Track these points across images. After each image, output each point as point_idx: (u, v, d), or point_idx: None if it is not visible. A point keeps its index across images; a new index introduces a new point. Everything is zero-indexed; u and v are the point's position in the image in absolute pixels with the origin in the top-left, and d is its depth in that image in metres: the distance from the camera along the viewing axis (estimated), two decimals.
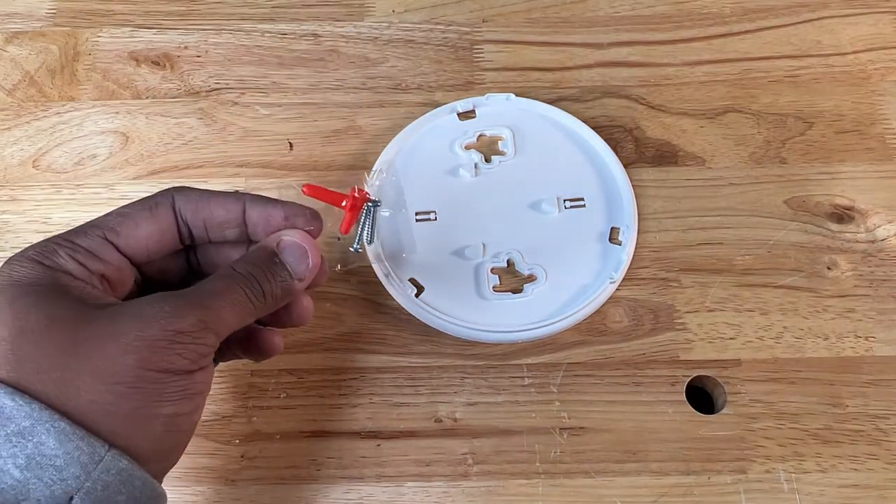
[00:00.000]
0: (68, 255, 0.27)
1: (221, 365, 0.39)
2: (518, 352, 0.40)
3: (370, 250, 0.41)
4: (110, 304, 0.27)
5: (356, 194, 0.35)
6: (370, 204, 0.37)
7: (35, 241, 0.41)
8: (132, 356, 0.25)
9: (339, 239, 0.42)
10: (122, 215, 0.29)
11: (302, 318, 0.33)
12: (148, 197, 0.31)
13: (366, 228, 0.37)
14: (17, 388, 0.23)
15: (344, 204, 0.35)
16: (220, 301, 0.28)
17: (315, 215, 0.32)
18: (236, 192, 0.31)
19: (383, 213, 0.41)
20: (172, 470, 0.29)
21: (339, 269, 0.41)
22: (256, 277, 0.29)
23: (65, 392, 0.24)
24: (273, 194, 0.38)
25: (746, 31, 0.49)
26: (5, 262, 0.27)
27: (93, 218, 0.30)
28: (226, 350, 0.33)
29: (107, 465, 0.24)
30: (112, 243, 0.29)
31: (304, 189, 0.34)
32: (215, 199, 0.31)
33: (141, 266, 0.31)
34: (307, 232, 0.31)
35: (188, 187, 0.31)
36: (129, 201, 0.42)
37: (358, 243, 0.37)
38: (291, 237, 0.31)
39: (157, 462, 0.27)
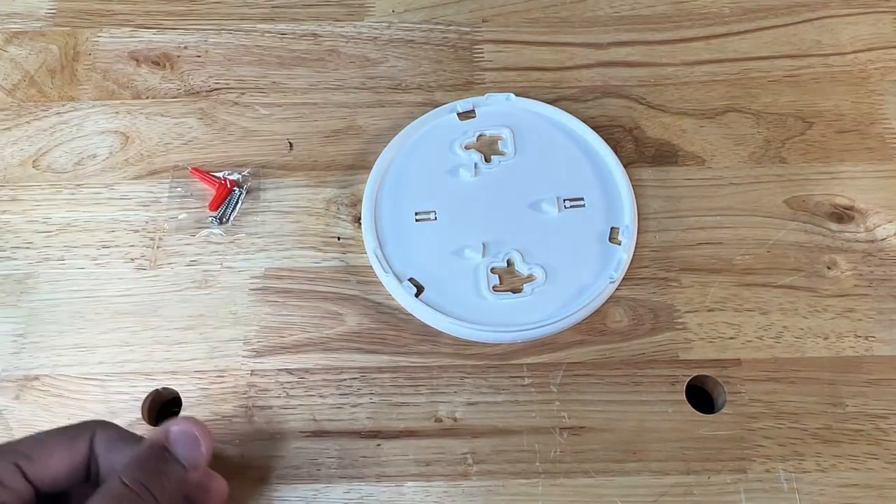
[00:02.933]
0: None
1: (221, 364, 0.39)
2: (518, 352, 0.40)
3: (370, 250, 0.41)
4: None
5: (227, 182, 0.43)
6: (237, 190, 0.43)
7: (34, 241, 0.42)
8: None
9: (338, 239, 0.42)
10: (39, 442, 0.29)
11: (218, 499, 0.32)
12: (69, 426, 0.30)
13: (228, 207, 0.43)
14: None
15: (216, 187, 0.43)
16: None
17: (196, 438, 0.30)
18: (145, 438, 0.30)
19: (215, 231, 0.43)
20: None
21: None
22: (146, 485, 0.27)
23: None
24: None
25: (746, 31, 0.49)
26: None
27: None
28: None
29: None
30: (22, 470, 0.28)
31: (191, 171, 0.43)
32: (135, 446, 0.30)
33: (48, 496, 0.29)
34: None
35: (108, 427, 0.30)
36: (127, 200, 0.43)
37: (217, 218, 0.42)
38: (179, 426, 0.30)
39: None
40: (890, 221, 0.42)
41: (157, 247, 0.42)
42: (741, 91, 0.46)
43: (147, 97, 0.47)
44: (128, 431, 0.31)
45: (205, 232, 0.42)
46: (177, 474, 0.29)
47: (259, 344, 0.39)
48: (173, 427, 0.30)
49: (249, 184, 0.44)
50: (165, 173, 0.44)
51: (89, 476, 0.30)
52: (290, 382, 0.39)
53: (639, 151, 0.45)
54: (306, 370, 0.39)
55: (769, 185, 0.43)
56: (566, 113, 0.45)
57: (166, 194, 0.44)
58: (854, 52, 0.48)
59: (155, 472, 0.28)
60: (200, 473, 0.30)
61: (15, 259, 0.42)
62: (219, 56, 0.48)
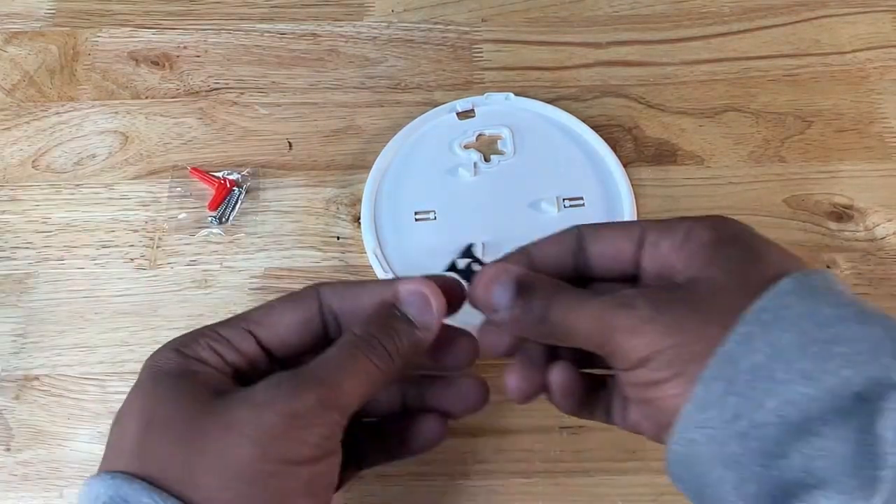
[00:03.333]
0: (206, 344, 0.27)
1: None
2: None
3: (369, 250, 0.41)
4: (230, 391, 0.25)
5: (226, 182, 0.43)
6: (237, 190, 0.43)
7: (34, 241, 0.42)
8: (247, 448, 0.23)
9: (338, 238, 0.42)
10: (268, 306, 0.29)
11: (465, 354, 0.30)
12: (294, 292, 0.29)
13: (227, 207, 0.42)
14: (153, 484, 0.23)
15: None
16: (340, 372, 0.25)
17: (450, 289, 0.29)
18: (391, 281, 0.29)
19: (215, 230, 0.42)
20: None
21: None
22: (377, 336, 0.26)
23: (186, 489, 0.23)
24: None
25: (745, 31, 0.49)
26: (152, 354, 0.27)
27: None
28: (372, 450, 0.31)
29: None
30: (253, 334, 0.28)
31: (191, 171, 0.43)
32: (367, 288, 0.29)
33: (286, 360, 0.29)
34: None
35: (334, 282, 0.30)
36: (127, 200, 0.43)
37: (216, 217, 0.42)
38: (408, 285, 0.28)
39: None
40: (889, 220, 0.42)
41: (157, 247, 0.42)
42: (740, 90, 0.46)
43: (146, 97, 0.47)
44: (352, 281, 0.30)
45: (204, 232, 0.42)
46: (408, 333, 0.27)
47: None
48: (402, 286, 0.28)
49: (249, 183, 0.44)
50: (165, 173, 0.44)
51: (329, 333, 0.29)
52: None
53: (638, 151, 0.45)
54: None
55: (768, 184, 0.43)
56: (565, 112, 0.45)
57: (166, 194, 0.44)
58: (853, 51, 0.48)
59: (385, 328, 0.27)
60: (433, 335, 0.28)
61: (15, 259, 0.42)
62: (218, 56, 0.48)
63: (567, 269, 0.28)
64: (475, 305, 0.28)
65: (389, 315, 0.27)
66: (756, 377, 0.22)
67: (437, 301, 0.28)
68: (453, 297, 0.29)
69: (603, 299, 0.26)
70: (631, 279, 0.28)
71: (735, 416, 0.22)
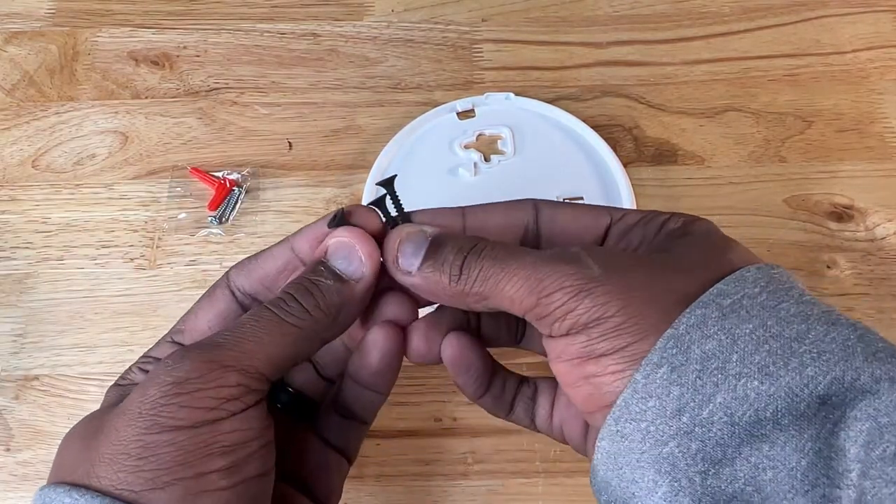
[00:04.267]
0: (136, 368, 0.26)
1: None
2: (517, 351, 0.39)
3: None
4: None
5: (226, 182, 0.43)
6: (236, 190, 0.43)
7: (33, 241, 0.42)
8: (134, 426, 0.22)
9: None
10: (189, 311, 0.27)
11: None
12: (210, 287, 0.28)
13: (227, 207, 0.43)
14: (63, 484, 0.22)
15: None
16: (241, 333, 0.24)
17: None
18: (284, 239, 0.28)
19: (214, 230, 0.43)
20: None
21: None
22: (292, 293, 0.25)
23: (91, 481, 0.22)
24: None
25: (745, 30, 0.49)
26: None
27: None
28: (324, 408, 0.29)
29: None
30: (178, 343, 0.27)
31: (191, 171, 0.43)
32: (263, 255, 0.28)
33: None
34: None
35: (239, 262, 0.28)
36: (127, 200, 0.43)
37: (216, 217, 0.43)
38: (336, 236, 0.26)
39: None
40: (889, 220, 0.42)
41: (157, 246, 0.42)
42: (741, 90, 0.46)
43: (146, 97, 0.47)
44: (253, 254, 0.28)
45: (204, 232, 0.42)
46: (333, 287, 0.25)
47: None
48: (329, 240, 0.26)
49: (249, 183, 0.44)
50: (165, 173, 0.44)
51: (245, 310, 0.27)
52: None
53: (638, 151, 0.45)
54: None
55: (769, 184, 0.43)
56: (566, 112, 0.45)
57: (165, 194, 0.44)
58: (853, 51, 0.48)
59: (302, 285, 0.25)
60: (367, 283, 0.25)
61: (14, 259, 0.42)
62: (218, 56, 0.48)
63: (514, 243, 0.26)
64: (387, 266, 0.25)
65: (313, 271, 0.25)
66: (706, 368, 0.20)
67: (367, 249, 0.25)
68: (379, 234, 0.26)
69: (539, 253, 0.23)
70: None
71: (678, 409, 0.20)
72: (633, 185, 0.43)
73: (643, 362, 0.20)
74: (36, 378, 0.39)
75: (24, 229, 0.43)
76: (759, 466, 0.19)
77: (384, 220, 0.27)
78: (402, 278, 0.25)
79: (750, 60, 0.48)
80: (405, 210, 0.27)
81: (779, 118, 0.46)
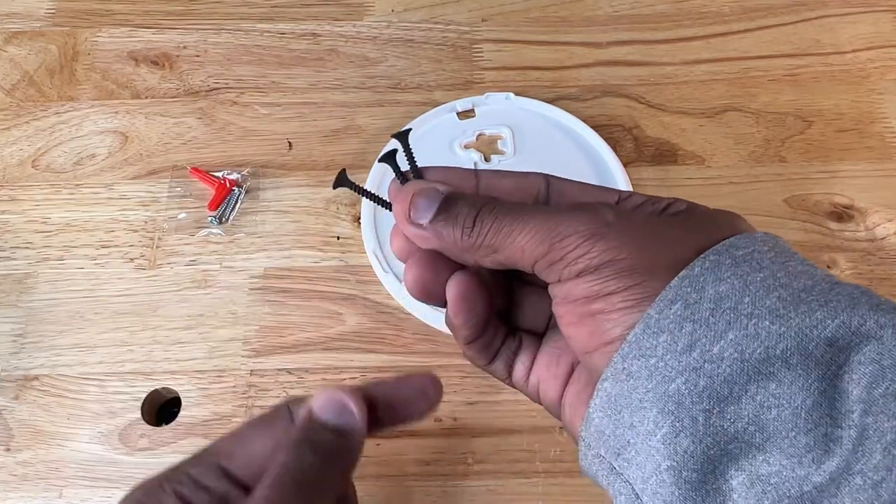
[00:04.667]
0: (171, 490, 0.24)
1: (220, 364, 0.39)
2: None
3: (369, 250, 0.41)
4: None
5: (226, 182, 0.43)
6: (236, 190, 0.43)
7: (33, 241, 0.42)
8: None
9: (338, 238, 0.42)
10: (239, 434, 0.26)
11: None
12: (264, 414, 0.27)
13: (227, 207, 0.43)
14: None
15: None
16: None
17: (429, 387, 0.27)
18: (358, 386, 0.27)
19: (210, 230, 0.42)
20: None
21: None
22: (287, 464, 0.24)
23: None
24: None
25: (746, 30, 0.49)
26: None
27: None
28: None
29: None
30: (225, 469, 0.25)
31: (191, 171, 0.43)
32: (254, 434, 0.26)
33: None
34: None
35: (300, 397, 0.27)
36: (126, 200, 0.43)
37: (216, 217, 0.43)
38: (320, 396, 0.26)
39: None
40: (889, 220, 0.42)
41: (157, 246, 0.42)
42: (741, 90, 0.46)
43: (146, 97, 0.47)
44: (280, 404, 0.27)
45: (204, 232, 0.42)
46: (327, 440, 0.25)
47: (258, 344, 0.39)
48: (314, 401, 0.26)
49: (249, 183, 0.44)
50: (164, 173, 0.44)
51: None
52: (289, 382, 0.39)
53: (638, 150, 0.45)
54: (306, 370, 0.39)
55: (769, 184, 0.43)
56: (566, 112, 0.45)
57: (165, 194, 0.44)
58: (853, 51, 0.48)
59: (297, 449, 0.25)
60: (363, 434, 0.26)
61: (14, 259, 0.42)
62: (218, 56, 0.48)
63: None
64: (396, 219, 0.25)
65: (306, 427, 0.25)
66: (719, 307, 0.20)
67: (355, 402, 0.25)
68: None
69: (552, 207, 0.23)
70: None
71: (689, 345, 0.20)
72: (633, 184, 0.43)
73: (658, 298, 0.20)
74: (36, 378, 0.39)
75: (24, 229, 0.43)
76: (764, 405, 0.19)
77: (395, 174, 0.26)
78: (412, 231, 0.24)
79: (750, 60, 0.48)
80: (418, 165, 0.27)
81: (779, 118, 0.46)
